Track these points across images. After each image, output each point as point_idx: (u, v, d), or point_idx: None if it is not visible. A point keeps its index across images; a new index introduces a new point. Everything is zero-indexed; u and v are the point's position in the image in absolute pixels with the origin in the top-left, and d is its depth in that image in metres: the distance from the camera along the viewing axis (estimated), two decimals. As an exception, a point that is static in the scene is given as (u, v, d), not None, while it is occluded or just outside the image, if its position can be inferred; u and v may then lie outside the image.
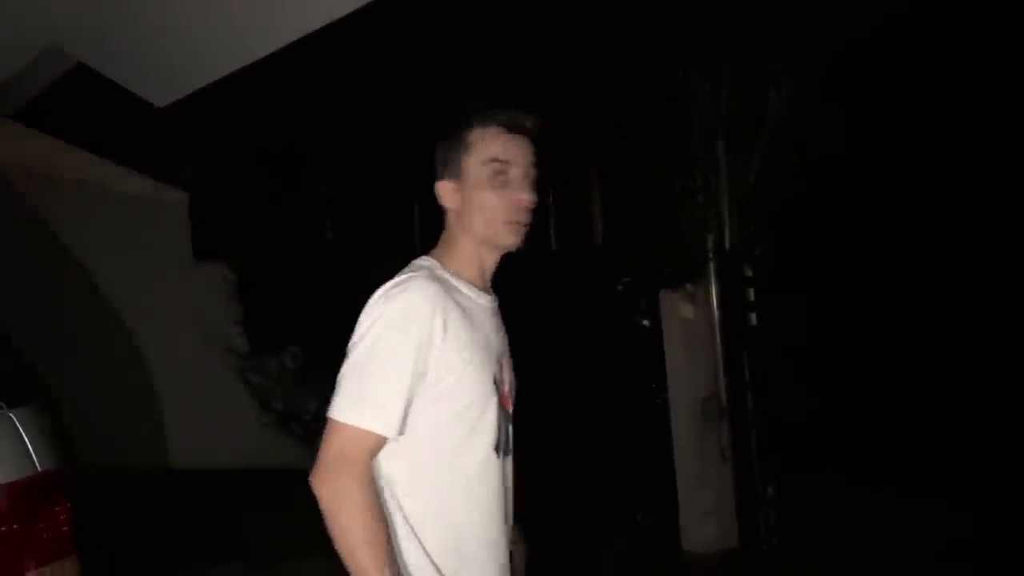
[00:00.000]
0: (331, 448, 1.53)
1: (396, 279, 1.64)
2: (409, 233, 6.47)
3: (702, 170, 4.69)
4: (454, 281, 1.69)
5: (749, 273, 4.60)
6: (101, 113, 5.50)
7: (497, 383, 1.69)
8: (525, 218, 1.72)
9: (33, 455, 2.13)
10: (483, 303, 1.73)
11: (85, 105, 5.38)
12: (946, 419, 3.81)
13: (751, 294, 4.60)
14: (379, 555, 1.50)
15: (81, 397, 6.07)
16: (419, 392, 1.58)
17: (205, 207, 7.39)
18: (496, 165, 1.69)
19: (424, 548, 1.62)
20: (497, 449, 1.68)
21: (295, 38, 3.87)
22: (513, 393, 1.78)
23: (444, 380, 1.60)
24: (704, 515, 4.48)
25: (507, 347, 1.79)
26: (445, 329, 1.59)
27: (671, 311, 4.52)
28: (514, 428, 1.76)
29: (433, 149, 1.77)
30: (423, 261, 1.72)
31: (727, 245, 4.60)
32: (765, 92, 4.50)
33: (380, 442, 1.56)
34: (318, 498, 1.53)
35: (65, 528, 2.14)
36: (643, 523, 4.81)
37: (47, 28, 3.85)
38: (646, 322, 4.80)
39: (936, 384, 3.86)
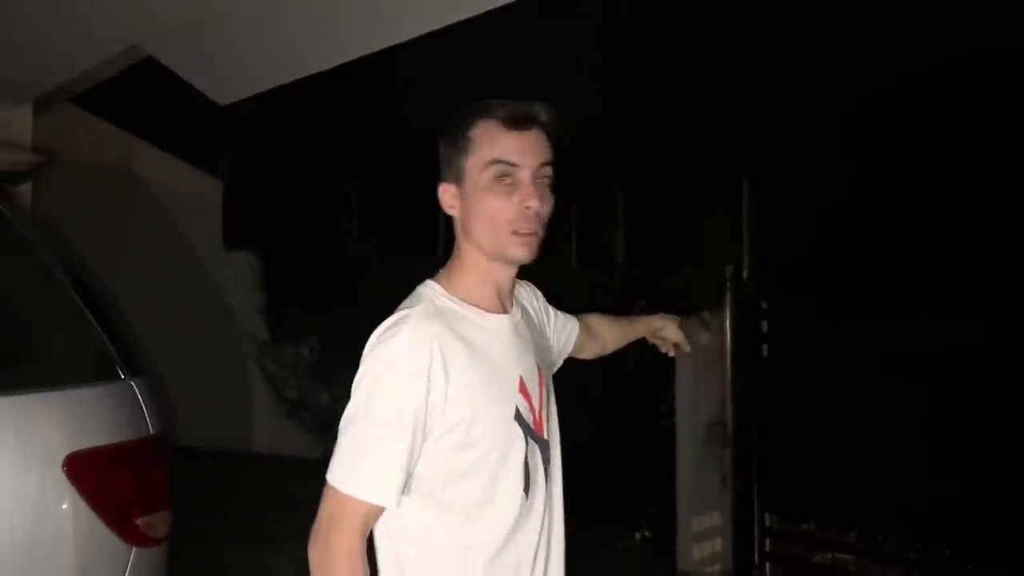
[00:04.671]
0: (325, 511, 1.39)
1: (392, 317, 1.43)
2: (434, 237, 6.62)
3: (727, 202, 4.86)
4: (459, 308, 1.46)
5: (764, 306, 4.74)
6: (160, 104, 5.70)
7: (522, 415, 1.48)
8: (536, 227, 1.44)
9: (148, 420, 2.33)
10: (493, 326, 1.49)
11: (147, 95, 5.58)
12: (952, 465, 3.89)
13: (764, 326, 4.74)
14: None
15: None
16: (425, 449, 1.41)
17: (239, 197, 7.57)
18: (499, 167, 1.42)
19: None
20: (527, 489, 1.48)
21: (353, 57, 4.07)
22: (547, 408, 1.57)
23: (452, 433, 1.41)
24: (700, 537, 4.63)
25: (537, 357, 1.57)
26: (446, 376, 1.38)
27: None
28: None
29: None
30: (425, 288, 1.50)
31: (745, 277, 4.75)
32: (795, 131, 4.66)
33: (378, 511, 1.40)
34: (309, 558, 1.40)
35: (166, 486, 2.35)
36: (642, 541, 4.94)
37: (132, 28, 4.06)
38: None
39: (944, 427, 3.94)
